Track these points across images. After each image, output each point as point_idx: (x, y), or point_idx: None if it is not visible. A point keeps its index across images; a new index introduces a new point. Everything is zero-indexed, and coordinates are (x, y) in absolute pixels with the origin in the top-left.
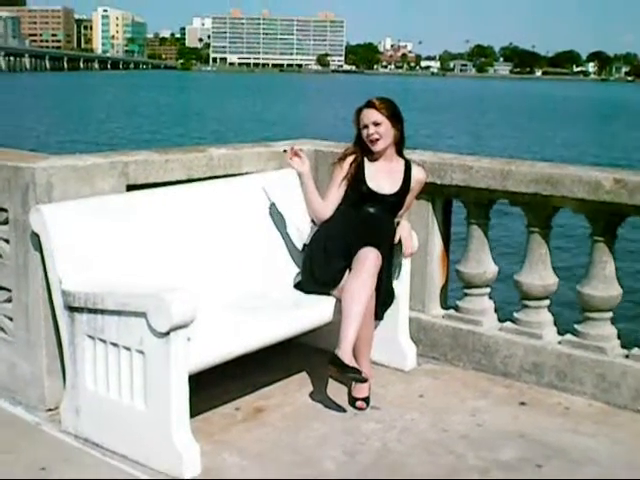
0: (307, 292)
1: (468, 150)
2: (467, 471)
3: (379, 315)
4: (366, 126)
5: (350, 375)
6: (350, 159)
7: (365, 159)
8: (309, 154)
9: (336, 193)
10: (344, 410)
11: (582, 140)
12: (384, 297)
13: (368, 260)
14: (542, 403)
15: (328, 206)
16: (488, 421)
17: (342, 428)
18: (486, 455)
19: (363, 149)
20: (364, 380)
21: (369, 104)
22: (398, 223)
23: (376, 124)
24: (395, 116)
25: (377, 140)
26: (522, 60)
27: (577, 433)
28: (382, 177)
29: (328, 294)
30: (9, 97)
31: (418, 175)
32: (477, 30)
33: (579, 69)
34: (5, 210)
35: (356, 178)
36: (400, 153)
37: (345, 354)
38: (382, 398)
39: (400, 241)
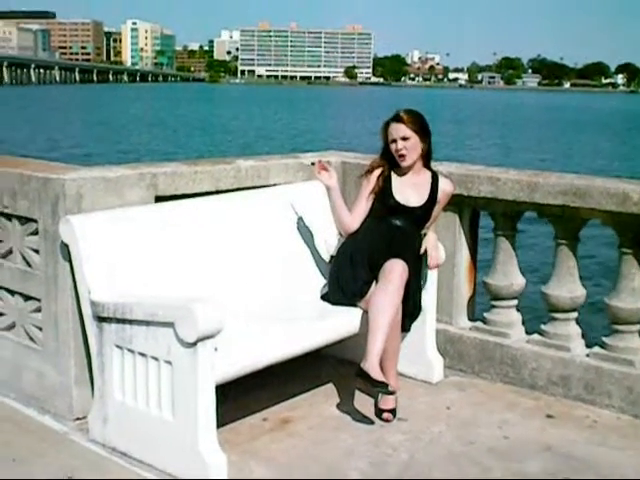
0: (334, 303)
1: (495, 162)
2: None
3: (406, 327)
4: (394, 140)
5: (377, 388)
6: (377, 172)
7: (392, 172)
8: (336, 166)
9: (364, 206)
10: (371, 422)
11: (610, 152)
12: (411, 309)
13: (395, 272)
14: (570, 416)
15: (355, 219)
16: (515, 434)
17: (368, 439)
18: (513, 468)
19: (390, 162)
20: (391, 393)
21: (397, 118)
22: (425, 235)
23: (404, 139)
24: (423, 129)
25: (405, 155)
26: (550, 72)
27: (605, 446)
28: (409, 190)
29: (355, 305)
30: (39, 109)
31: (445, 187)
32: (505, 42)
33: (608, 81)
34: (35, 221)
35: (383, 191)
36: (427, 165)
37: (372, 367)
38: (409, 410)
39: (426, 253)
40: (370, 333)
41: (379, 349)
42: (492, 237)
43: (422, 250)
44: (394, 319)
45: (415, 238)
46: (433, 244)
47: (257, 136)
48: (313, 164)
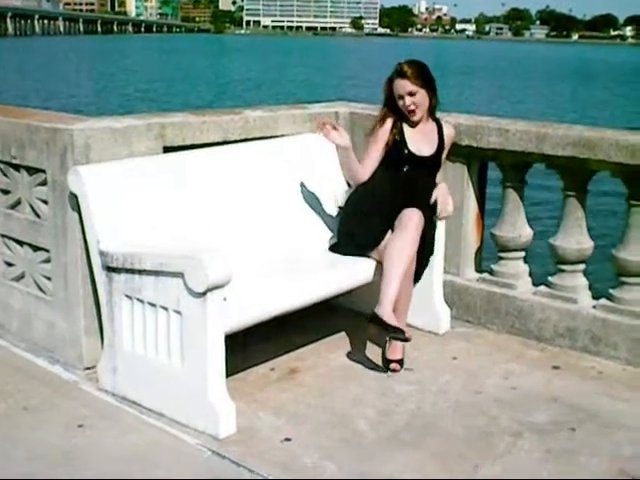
0: (344, 254)
1: (503, 113)
2: (500, 433)
3: (419, 277)
4: (402, 97)
5: (392, 334)
6: (390, 123)
7: (403, 123)
8: (345, 116)
9: (376, 156)
10: (378, 372)
11: (617, 104)
12: (426, 260)
13: (412, 221)
14: (576, 367)
15: (367, 169)
16: (521, 384)
17: (376, 389)
18: (519, 418)
19: (398, 113)
20: (406, 339)
21: (401, 74)
22: (436, 185)
23: (411, 94)
24: (428, 82)
25: (414, 110)
26: (559, 24)
27: (610, 397)
28: (420, 140)
29: (366, 256)
30: (44, 60)
31: (450, 132)
32: None
33: (616, 33)
34: (43, 171)
35: (397, 142)
36: (432, 115)
37: (386, 312)
38: (416, 360)
39: (436, 203)
40: (384, 280)
41: (393, 296)
42: (500, 189)
43: (432, 200)
44: (409, 268)
45: (429, 187)
46: (444, 195)
47: (263, 87)
48: (321, 129)
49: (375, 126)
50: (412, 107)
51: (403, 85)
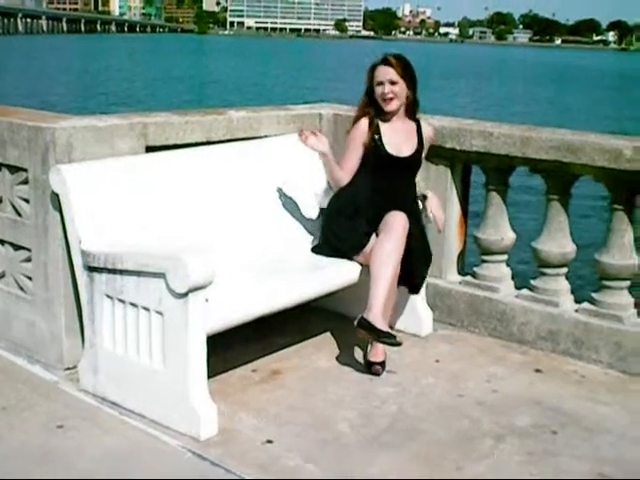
0: (327, 255)
1: (485, 116)
2: (482, 436)
3: (421, 278)
4: (381, 83)
5: (383, 339)
6: (365, 124)
7: (380, 122)
8: (329, 118)
9: (354, 159)
10: (360, 374)
11: (599, 109)
12: (426, 259)
13: (396, 224)
14: (558, 371)
15: (347, 172)
16: (503, 387)
17: (358, 392)
18: (501, 421)
19: (375, 109)
20: (398, 344)
21: (386, 61)
22: (424, 197)
23: (392, 82)
24: (411, 76)
25: (392, 99)
26: (542, 28)
27: (592, 401)
28: (399, 140)
29: (349, 258)
30: (26, 60)
31: (429, 133)
32: None
33: (599, 38)
34: (25, 170)
35: (374, 144)
36: (411, 115)
37: (376, 318)
38: (398, 363)
39: (418, 202)
40: (373, 284)
41: (383, 300)
42: (483, 192)
43: (429, 212)
44: (396, 271)
45: (411, 187)
46: (437, 209)
47: (246, 90)
48: (301, 136)
49: (351, 127)
50: (390, 95)
51: (385, 72)
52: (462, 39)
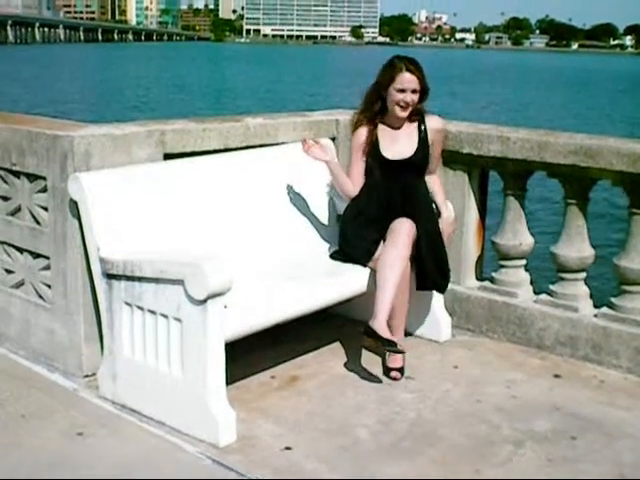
0: (343, 262)
1: (502, 122)
2: (501, 442)
3: (441, 288)
4: (403, 91)
5: (386, 347)
6: (363, 133)
7: (380, 125)
8: (345, 124)
9: (359, 169)
10: (378, 380)
11: (616, 114)
12: (443, 266)
13: (402, 230)
14: (577, 376)
15: (355, 183)
16: (522, 393)
17: (376, 398)
18: (520, 426)
19: (376, 112)
20: (399, 351)
21: (410, 69)
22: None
23: (414, 92)
24: (426, 87)
25: (409, 108)
26: (558, 33)
27: (612, 406)
28: (397, 142)
29: (363, 265)
30: (43, 69)
31: (433, 124)
32: (513, 2)
33: (616, 42)
34: (44, 178)
35: (373, 149)
36: (412, 117)
37: (380, 325)
38: (417, 369)
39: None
40: (378, 291)
41: (387, 307)
42: (501, 197)
43: (440, 226)
44: (402, 276)
45: (418, 188)
46: (448, 225)
47: (264, 97)
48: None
49: (351, 135)
50: (410, 104)
51: (411, 80)
52: (478, 45)
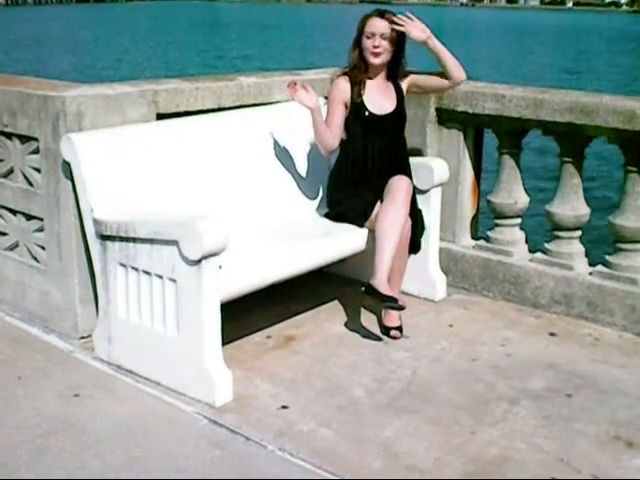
0: (337, 221)
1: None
2: (496, 400)
3: (418, 247)
4: (373, 35)
5: (387, 304)
6: (342, 82)
7: (363, 82)
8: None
9: (338, 118)
10: (374, 339)
11: (612, 71)
12: (417, 218)
13: (401, 189)
14: (572, 334)
15: (333, 132)
16: (518, 351)
17: (372, 356)
18: (516, 384)
19: (355, 64)
20: (401, 308)
21: (381, 14)
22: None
23: (383, 36)
24: (401, 38)
25: (380, 54)
26: None
27: (607, 364)
28: (379, 97)
29: (359, 226)
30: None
31: (402, 77)
32: None
33: (610, 0)
34: (36, 139)
35: (355, 104)
36: (390, 77)
37: (381, 283)
38: (412, 328)
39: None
40: (378, 250)
41: (387, 266)
42: (496, 155)
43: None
44: (402, 236)
45: (402, 144)
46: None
47: (261, 56)
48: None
49: (331, 86)
50: (378, 49)
51: (379, 25)
52: (473, 3)
